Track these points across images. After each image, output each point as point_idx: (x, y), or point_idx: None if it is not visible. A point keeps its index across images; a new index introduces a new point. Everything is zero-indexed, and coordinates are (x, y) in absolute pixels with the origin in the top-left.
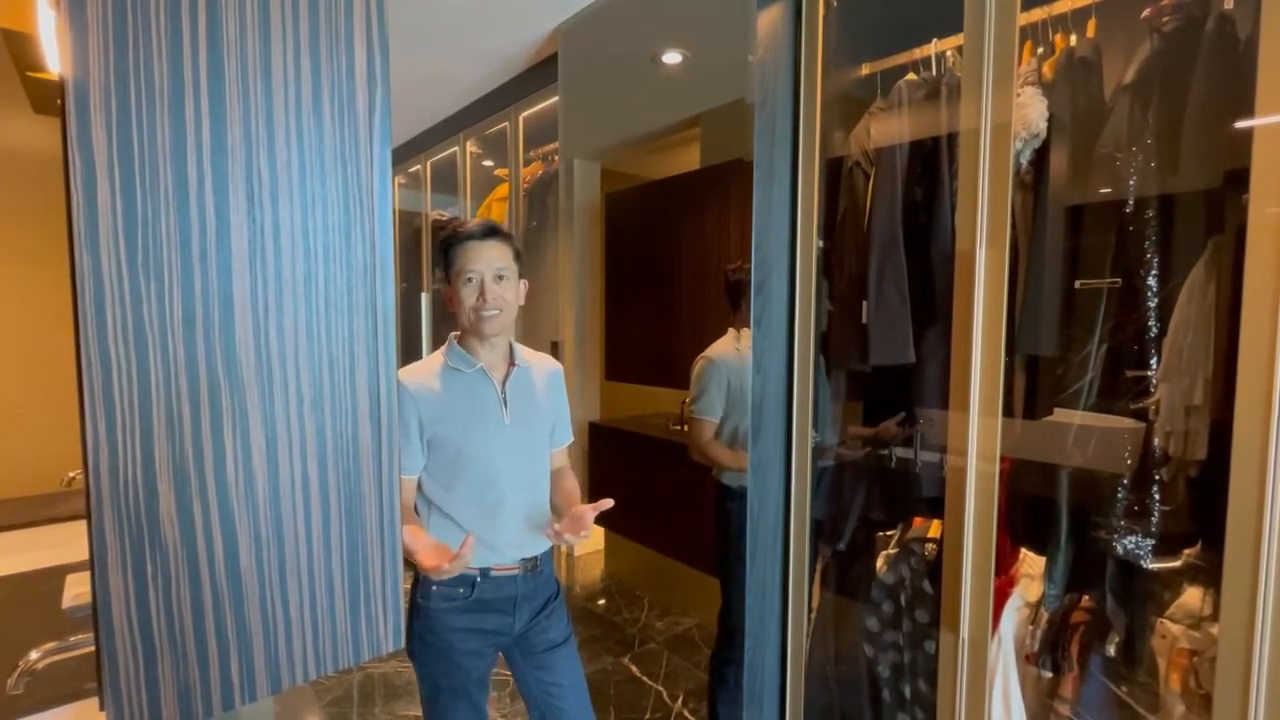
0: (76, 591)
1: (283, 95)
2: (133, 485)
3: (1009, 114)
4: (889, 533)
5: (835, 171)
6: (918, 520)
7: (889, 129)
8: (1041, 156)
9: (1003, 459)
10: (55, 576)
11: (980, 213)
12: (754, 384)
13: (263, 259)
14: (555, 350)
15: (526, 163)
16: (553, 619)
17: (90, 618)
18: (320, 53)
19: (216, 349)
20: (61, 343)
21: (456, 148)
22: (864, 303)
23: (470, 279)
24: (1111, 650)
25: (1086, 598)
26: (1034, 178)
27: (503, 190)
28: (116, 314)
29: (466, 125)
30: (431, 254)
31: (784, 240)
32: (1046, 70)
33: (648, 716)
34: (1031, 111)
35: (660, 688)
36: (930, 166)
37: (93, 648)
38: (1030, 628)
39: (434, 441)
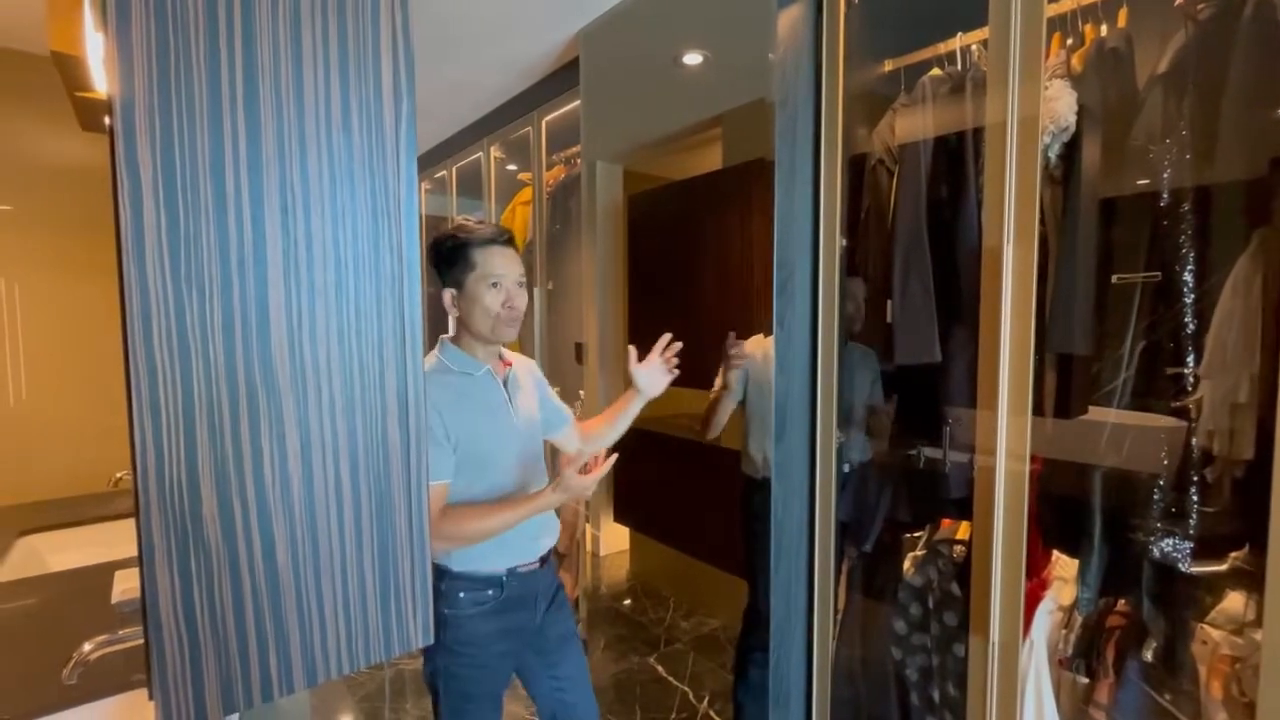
0: (125, 587)
1: (314, 112)
2: (177, 486)
3: (1036, 107)
4: (916, 534)
5: (859, 169)
6: (946, 521)
7: (913, 125)
8: (1071, 150)
9: (1034, 459)
10: (105, 572)
11: (1007, 208)
12: (777, 384)
13: (296, 269)
14: (579, 352)
15: (549, 166)
16: (561, 610)
17: (138, 612)
18: (349, 71)
19: (254, 356)
20: (110, 349)
21: (481, 153)
22: (888, 301)
23: (495, 283)
24: (1149, 655)
25: (1123, 602)
26: (1063, 172)
27: (526, 194)
28: (161, 323)
29: (491, 130)
30: (432, 254)
31: (806, 239)
32: (1075, 62)
33: (673, 716)
34: (1060, 105)
35: (686, 688)
36: (956, 162)
37: (141, 640)
38: (1064, 631)
39: (458, 445)
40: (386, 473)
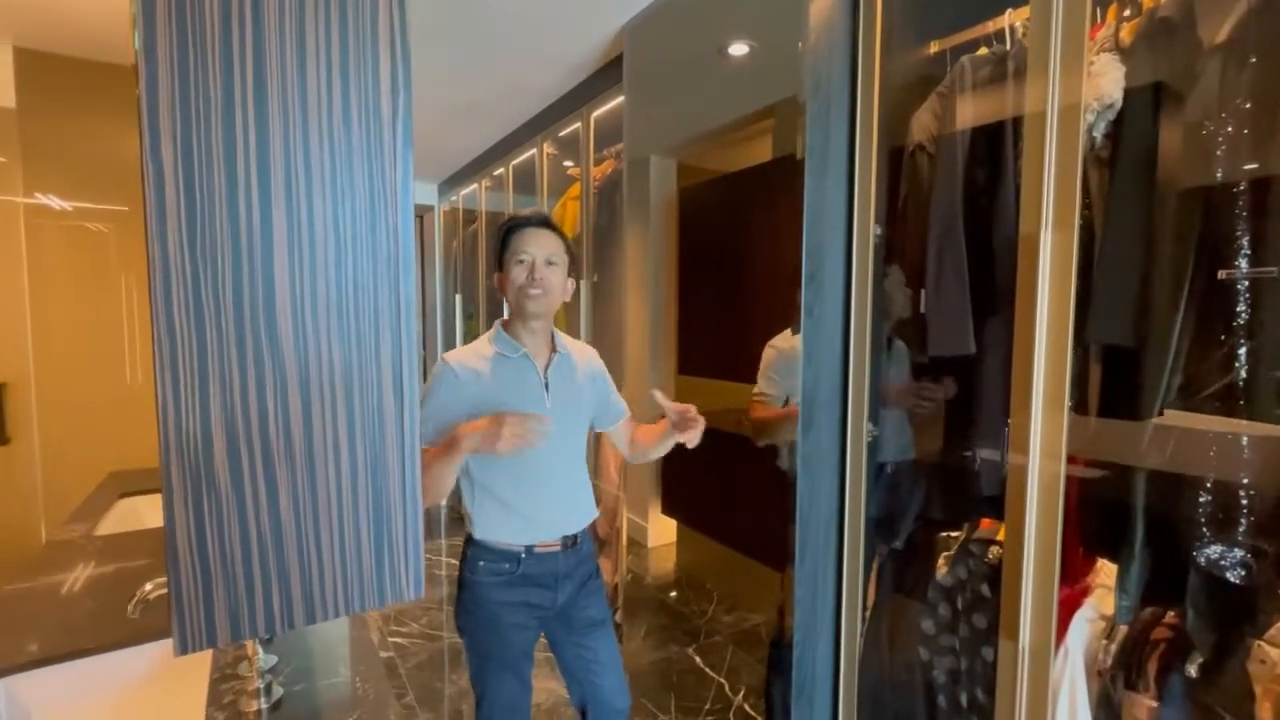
0: None
1: (317, 107)
2: (192, 436)
3: (1079, 86)
4: (954, 534)
5: (900, 156)
6: (986, 522)
7: (952, 108)
8: (1118, 129)
9: (1076, 459)
10: None
11: (1046, 192)
12: (805, 375)
13: (300, 247)
14: (620, 345)
15: (599, 161)
16: (592, 597)
17: None
18: (350, 68)
19: (260, 324)
20: None
21: (535, 150)
22: (922, 291)
23: (523, 260)
24: (1192, 671)
25: (1172, 613)
26: (1111, 152)
27: (577, 189)
28: (180, 294)
29: (544, 128)
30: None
31: (839, 229)
32: (1125, 35)
33: (708, 707)
34: (1106, 80)
35: (723, 680)
36: (995, 146)
37: None
38: (1104, 642)
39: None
40: (381, 435)
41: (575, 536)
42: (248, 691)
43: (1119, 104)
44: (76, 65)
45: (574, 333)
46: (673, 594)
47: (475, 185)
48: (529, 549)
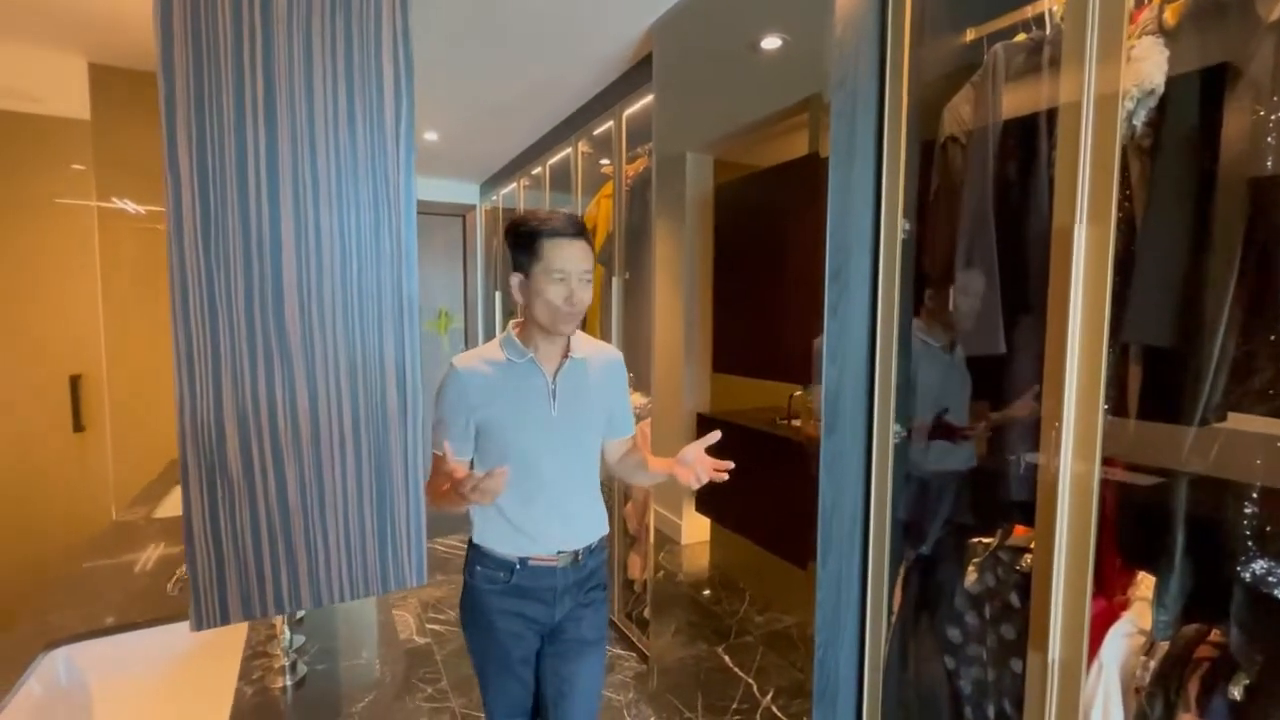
0: None
1: (323, 113)
2: (207, 426)
3: (1116, 74)
4: (986, 540)
5: (931, 150)
6: (1020, 529)
7: (984, 98)
8: (1162, 116)
9: (1130, 468)
10: None
11: (1080, 185)
12: (828, 374)
13: (307, 251)
14: (649, 343)
15: (632, 159)
16: (588, 611)
17: None
18: (354, 75)
19: (270, 323)
20: None
21: (570, 149)
22: (951, 289)
23: (561, 278)
24: (1237, 694)
25: (1216, 631)
26: (1152, 141)
27: (611, 186)
28: (195, 294)
29: (578, 127)
30: (507, 239)
31: (866, 225)
32: (1170, 16)
33: (735, 706)
34: (1147, 65)
35: (751, 680)
36: (1029, 137)
37: None
38: (1143, 659)
39: (481, 427)
40: (385, 430)
41: (576, 553)
42: (274, 669)
43: (1161, 90)
44: (146, 78)
45: (606, 329)
46: (705, 592)
47: (514, 184)
48: (523, 561)
